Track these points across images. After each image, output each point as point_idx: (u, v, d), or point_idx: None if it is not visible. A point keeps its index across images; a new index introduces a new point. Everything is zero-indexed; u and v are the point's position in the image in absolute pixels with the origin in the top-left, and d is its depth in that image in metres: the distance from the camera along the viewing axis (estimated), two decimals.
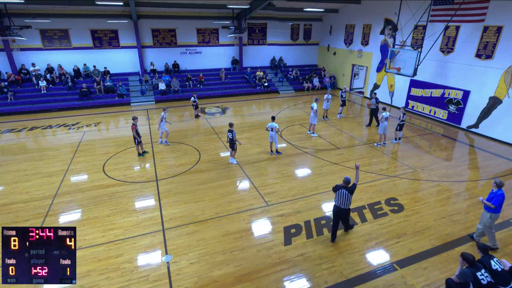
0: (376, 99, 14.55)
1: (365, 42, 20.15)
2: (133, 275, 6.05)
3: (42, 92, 18.19)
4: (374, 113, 14.72)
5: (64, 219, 7.90)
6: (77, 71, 19.53)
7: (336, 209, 6.78)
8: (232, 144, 10.52)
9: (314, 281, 5.92)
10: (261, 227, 7.52)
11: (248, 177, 9.92)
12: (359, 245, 6.90)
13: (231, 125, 10.48)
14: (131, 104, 19.10)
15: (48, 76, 18.75)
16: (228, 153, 11.74)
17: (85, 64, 19.78)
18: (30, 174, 10.22)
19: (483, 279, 4.81)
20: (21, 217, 7.94)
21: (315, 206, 8.33)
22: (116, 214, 7.98)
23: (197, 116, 16.51)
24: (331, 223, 7.14)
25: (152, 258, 6.48)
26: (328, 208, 8.25)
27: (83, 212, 8.14)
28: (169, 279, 5.97)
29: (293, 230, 7.35)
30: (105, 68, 19.97)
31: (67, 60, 19.44)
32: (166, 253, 6.59)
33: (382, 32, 18.58)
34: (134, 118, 11.19)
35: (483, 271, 4.90)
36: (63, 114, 17.36)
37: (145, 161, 11.19)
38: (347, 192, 6.52)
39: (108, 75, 19.79)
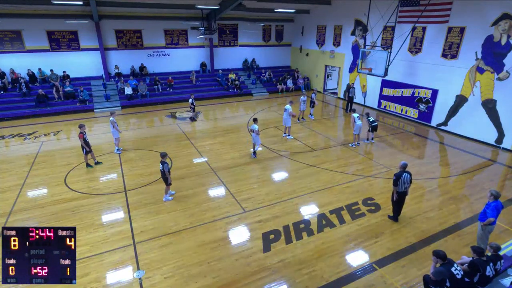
0: (354, 89, 17.19)
1: (336, 43, 20.41)
2: None
3: None
4: (351, 100, 17.21)
5: None
6: (32, 76, 18.03)
7: (402, 195, 7.42)
8: (165, 178, 8.53)
9: (295, 287, 5.79)
10: (239, 234, 7.26)
11: (224, 183, 9.58)
12: (338, 247, 6.85)
13: (163, 155, 8.35)
14: (95, 110, 17.95)
15: None
16: (202, 159, 11.35)
17: (40, 69, 18.27)
18: None
19: (457, 273, 4.90)
20: None
21: (293, 210, 8.18)
22: (81, 230, 7.34)
23: (192, 119, 16.12)
24: (396, 208, 7.66)
25: (122, 275, 6.05)
26: (306, 211, 8.16)
27: None
28: None
29: (271, 236, 7.16)
30: (64, 72, 18.57)
31: (20, 64, 17.83)
32: (138, 269, 6.20)
33: (353, 33, 18.88)
34: (81, 126, 10.39)
35: (455, 265, 4.99)
36: (17, 123, 15.92)
37: (112, 171, 10.51)
38: (408, 175, 7.27)
39: (68, 79, 18.36)
